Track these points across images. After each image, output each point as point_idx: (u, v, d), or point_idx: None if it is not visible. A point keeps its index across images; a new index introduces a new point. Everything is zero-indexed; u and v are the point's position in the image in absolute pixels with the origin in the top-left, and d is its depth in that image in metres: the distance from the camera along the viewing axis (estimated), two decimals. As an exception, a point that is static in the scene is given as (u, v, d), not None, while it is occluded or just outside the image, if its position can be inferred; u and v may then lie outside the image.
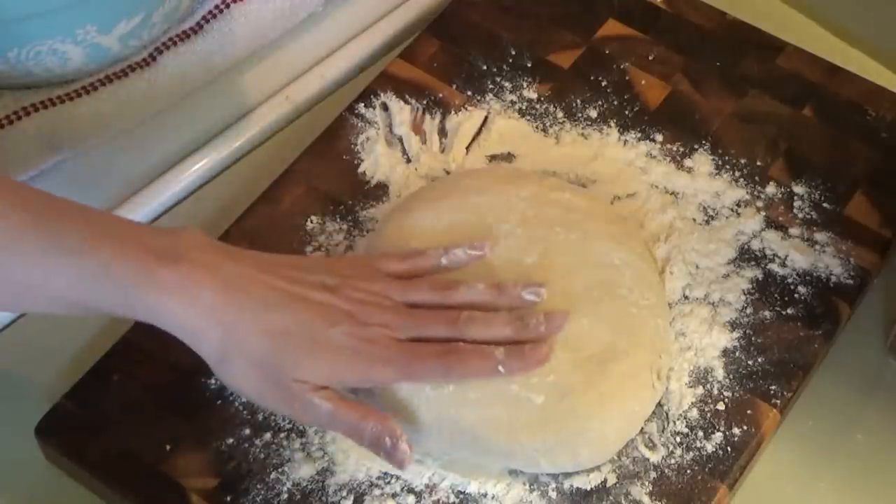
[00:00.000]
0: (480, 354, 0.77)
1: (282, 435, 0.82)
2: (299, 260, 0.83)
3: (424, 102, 0.98)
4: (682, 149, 0.96)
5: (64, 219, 0.74)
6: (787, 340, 0.86)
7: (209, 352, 0.76)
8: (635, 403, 0.80)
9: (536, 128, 0.97)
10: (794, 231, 0.91)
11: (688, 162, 0.95)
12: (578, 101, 0.98)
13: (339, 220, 0.91)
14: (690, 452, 0.81)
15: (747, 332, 0.86)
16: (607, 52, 1.01)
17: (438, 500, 0.79)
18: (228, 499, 0.79)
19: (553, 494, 0.80)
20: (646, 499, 0.80)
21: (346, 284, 0.78)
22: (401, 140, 0.96)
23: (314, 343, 0.75)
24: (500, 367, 0.77)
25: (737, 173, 0.94)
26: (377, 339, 0.76)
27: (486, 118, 0.97)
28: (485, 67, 1.00)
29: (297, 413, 0.76)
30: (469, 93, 0.99)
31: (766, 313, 0.87)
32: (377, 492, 0.80)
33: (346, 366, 0.75)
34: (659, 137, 0.96)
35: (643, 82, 0.99)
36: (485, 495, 0.80)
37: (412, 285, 0.80)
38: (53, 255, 0.73)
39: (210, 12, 1.00)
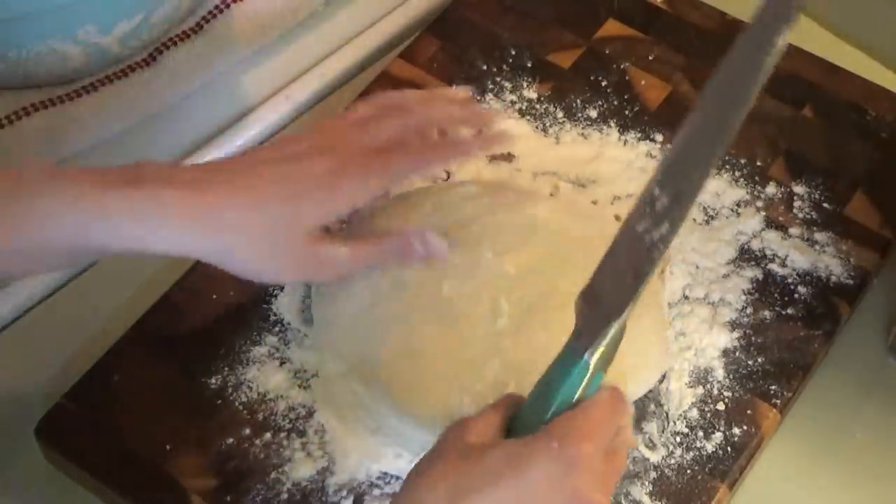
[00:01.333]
0: (451, 141, 0.81)
1: (282, 435, 0.82)
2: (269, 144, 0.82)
3: (424, 102, 0.98)
4: (682, 149, 0.96)
5: (19, 175, 0.73)
6: (787, 340, 0.86)
7: (208, 249, 0.74)
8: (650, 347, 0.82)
9: (536, 128, 0.97)
10: (794, 231, 0.91)
11: (688, 162, 0.95)
12: (578, 101, 0.98)
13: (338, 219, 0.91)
14: (690, 452, 0.81)
15: (747, 332, 0.86)
16: (607, 52, 1.01)
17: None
18: (228, 499, 0.79)
19: (553, 494, 0.80)
20: (646, 499, 0.80)
21: (317, 135, 0.79)
22: (401, 140, 0.96)
23: (298, 185, 0.75)
24: (473, 147, 0.83)
25: (737, 173, 0.94)
26: (351, 153, 0.76)
27: (486, 118, 0.97)
28: (485, 67, 1.00)
29: (315, 272, 0.77)
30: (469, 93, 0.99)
31: (766, 313, 0.87)
32: (377, 492, 0.80)
33: (331, 193, 0.75)
34: (659, 137, 0.96)
35: (643, 82, 0.99)
36: (485, 495, 0.80)
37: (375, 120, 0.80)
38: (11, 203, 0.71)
39: (210, 12, 1.00)
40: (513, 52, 1.01)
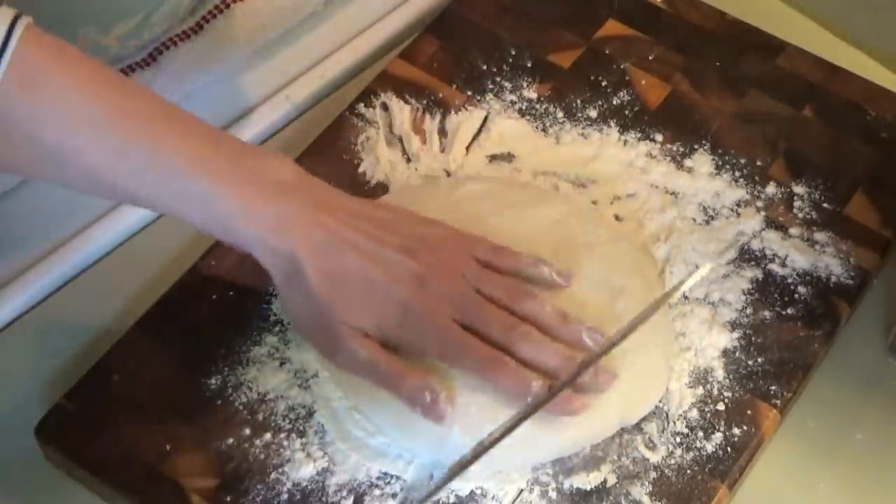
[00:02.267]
0: (519, 377, 0.77)
1: (282, 435, 0.82)
2: (388, 214, 0.83)
3: (424, 102, 0.98)
4: (682, 149, 0.96)
5: (165, 131, 0.76)
6: (787, 340, 0.86)
7: (279, 276, 0.78)
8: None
9: (536, 128, 0.97)
10: (794, 231, 0.91)
11: (688, 162, 0.95)
12: (578, 101, 0.98)
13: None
14: (690, 452, 0.81)
15: (747, 332, 0.86)
16: (607, 52, 1.01)
17: (438, 500, 0.79)
18: (228, 499, 0.79)
19: (553, 494, 0.80)
20: (646, 499, 0.80)
21: (425, 248, 0.79)
22: (401, 140, 0.96)
23: (371, 290, 0.77)
24: (530, 398, 0.77)
25: (737, 173, 0.94)
26: (434, 309, 0.77)
27: (486, 118, 0.97)
28: (485, 67, 1.00)
29: (336, 355, 0.78)
30: (469, 93, 0.99)
31: (766, 313, 0.87)
32: (377, 492, 0.80)
33: (394, 321, 0.77)
34: (659, 137, 0.96)
35: (643, 82, 0.99)
36: (484, 495, 0.80)
37: (489, 275, 0.80)
38: (159, 172, 0.75)
39: (210, 12, 1.00)
40: (513, 52, 1.01)
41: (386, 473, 0.80)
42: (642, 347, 0.81)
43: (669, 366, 0.84)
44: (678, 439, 0.82)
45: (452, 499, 0.79)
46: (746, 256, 0.90)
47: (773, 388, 0.84)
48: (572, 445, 0.80)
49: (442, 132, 0.97)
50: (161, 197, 0.76)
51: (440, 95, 0.98)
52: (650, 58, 1.01)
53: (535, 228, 0.86)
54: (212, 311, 0.87)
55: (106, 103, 0.75)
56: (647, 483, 0.80)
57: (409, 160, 0.95)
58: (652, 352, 0.82)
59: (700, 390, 0.84)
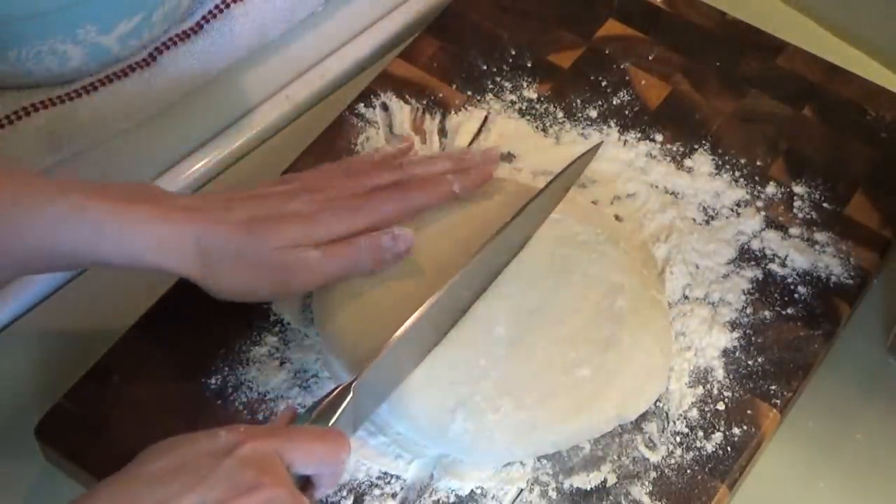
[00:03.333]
0: (433, 181, 0.83)
1: (282, 435, 0.82)
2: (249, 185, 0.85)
3: (424, 102, 0.98)
4: (682, 149, 0.96)
5: (26, 177, 0.78)
6: (787, 340, 0.86)
7: (191, 267, 0.78)
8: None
9: (536, 128, 0.97)
10: (794, 231, 0.91)
11: (688, 162, 0.95)
12: (578, 101, 0.98)
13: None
14: (690, 452, 0.81)
15: (747, 332, 0.86)
16: (607, 52, 1.01)
17: (438, 500, 0.79)
18: (228, 499, 0.79)
19: (553, 494, 0.80)
20: (646, 499, 0.80)
21: (299, 178, 0.83)
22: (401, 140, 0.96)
23: (280, 214, 0.79)
24: (455, 186, 0.84)
25: (737, 173, 0.94)
26: (336, 198, 0.81)
27: (486, 118, 0.97)
28: (485, 67, 1.00)
29: (293, 277, 0.79)
30: (469, 93, 0.99)
31: (766, 313, 0.87)
32: (377, 492, 0.80)
33: (315, 223, 0.79)
34: (659, 137, 0.96)
35: (643, 82, 0.99)
36: (484, 495, 0.80)
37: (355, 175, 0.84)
38: (25, 205, 0.75)
39: (210, 12, 1.00)
40: (513, 52, 1.01)
41: (386, 473, 0.80)
42: (641, 344, 0.82)
43: (668, 364, 0.84)
44: (678, 439, 0.82)
45: (452, 498, 0.79)
46: (746, 256, 0.90)
47: (773, 388, 0.84)
48: (570, 437, 0.80)
49: (442, 132, 0.97)
50: (36, 237, 0.76)
51: (440, 95, 0.98)
52: (650, 58, 1.01)
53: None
54: (212, 311, 0.87)
55: None
56: (647, 483, 0.80)
57: (409, 160, 0.95)
58: (651, 348, 0.82)
59: (700, 390, 0.84)
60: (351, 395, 0.74)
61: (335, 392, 0.74)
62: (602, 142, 0.92)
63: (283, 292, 0.83)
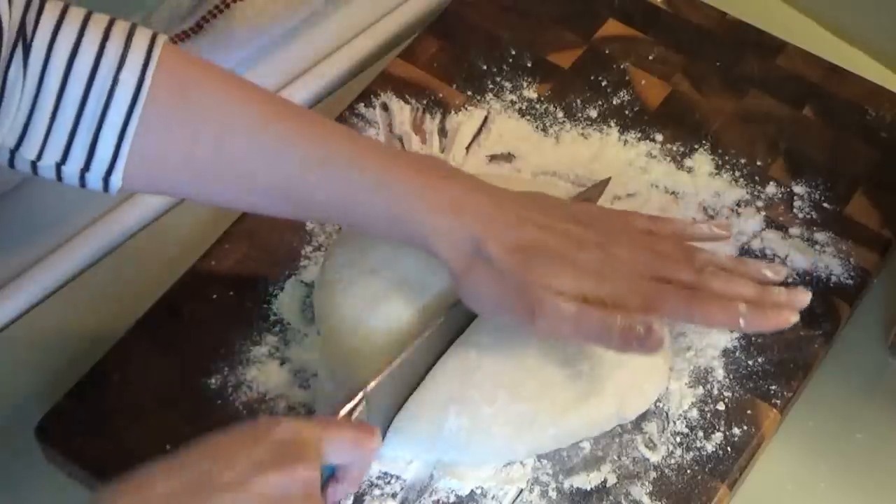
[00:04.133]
0: (723, 304, 0.77)
1: (282, 435, 0.82)
2: (546, 201, 0.83)
3: (424, 102, 0.98)
4: (682, 148, 0.96)
5: (326, 132, 0.77)
6: (787, 340, 0.86)
7: (457, 264, 0.77)
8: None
9: (536, 128, 0.97)
10: (794, 231, 0.91)
11: (688, 161, 0.95)
12: (578, 101, 0.98)
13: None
14: (690, 452, 0.81)
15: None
16: (607, 52, 1.01)
17: (438, 500, 0.79)
18: (228, 499, 0.79)
19: (553, 494, 0.80)
20: (646, 499, 0.80)
21: (592, 220, 0.80)
22: (401, 140, 0.96)
23: (564, 258, 0.77)
24: (742, 320, 0.76)
25: (737, 173, 0.94)
26: (623, 268, 0.77)
27: (486, 118, 0.97)
28: (485, 67, 1.00)
29: (539, 319, 0.76)
30: (469, 93, 0.99)
31: (766, 313, 0.87)
32: (377, 492, 0.80)
33: (592, 283, 0.76)
34: (659, 137, 0.96)
35: (643, 82, 0.99)
36: (485, 495, 0.80)
37: (658, 238, 0.81)
38: (324, 168, 0.76)
39: (210, 12, 1.00)
40: (513, 52, 1.01)
41: (386, 473, 0.80)
42: None
43: (669, 365, 0.84)
44: (678, 439, 0.82)
45: (452, 498, 0.79)
46: (746, 256, 0.90)
47: (773, 387, 0.84)
48: (571, 431, 0.80)
49: (442, 132, 0.97)
50: (323, 191, 0.76)
51: (440, 95, 0.98)
52: (650, 58, 1.01)
53: None
54: (212, 312, 0.87)
55: (259, 107, 0.76)
56: (647, 483, 0.80)
57: (409, 160, 0.95)
58: None
59: (700, 390, 0.84)
60: (363, 404, 0.74)
61: (348, 404, 0.74)
62: (610, 178, 0.89)
63: (517, 323, 0.79)
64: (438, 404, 0.78)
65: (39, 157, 0.74)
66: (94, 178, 0.75)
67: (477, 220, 0.77)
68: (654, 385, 0.83)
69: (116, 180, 0.75)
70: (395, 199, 0.77)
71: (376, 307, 0.81)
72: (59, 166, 0.75)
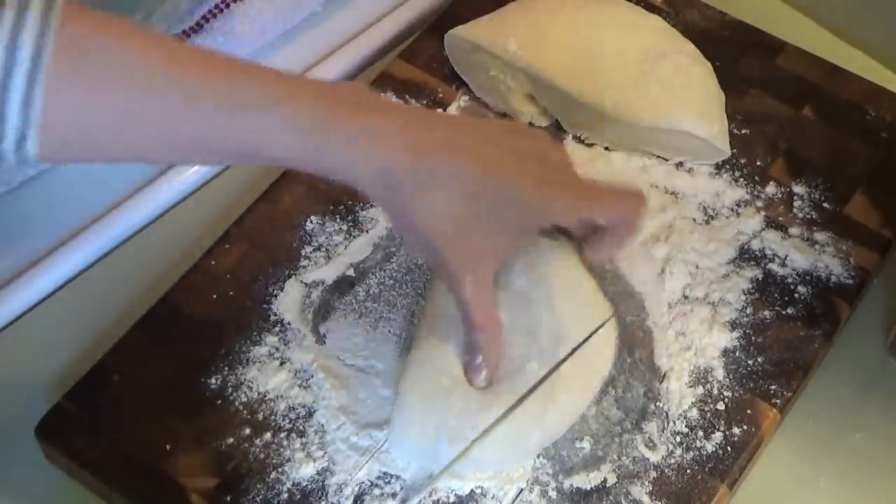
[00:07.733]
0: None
1: (282, 435, 0.82)
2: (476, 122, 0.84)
3: (424, 102, 0.98)
4: (682, 149, 0.96)
5: (230, 71, 0.74)
6: (787, 340, 0.86)
7: (399, 188, 0.74)
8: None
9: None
10: (794, 231, 0.91)
11: (688, 162, 0.95)
12: (578, 101, 0.98)
13: (338, 220, 0.91)
14: (690, 452, 0.81)
15: (747, 331, 0.86)
16: (607, 52, 1.01)
17: (438, 500, 0.79)
18: (228, 499, 0.79)
19: (553, 494, 0.80)
20: (646, 499, 0.80)
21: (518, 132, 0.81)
22: (401, 140, 0.96)
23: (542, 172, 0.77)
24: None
25: (737, 173, 0.94)
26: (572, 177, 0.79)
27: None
28: (485, 67, 1.00)
29: (468, 273, 0.76)
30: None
31: (766, 313, 0.87)
32: (377, 492, 0.80)
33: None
34: (659, 137, 0.96)
35: (643, 82, 0.99)
36: (484, 495, 0.80)
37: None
38: (232, 111, 0.72)
39: (210, 12, 1.00)
40: (513, 52, 1.01)
41: (386, 473, 0.80)
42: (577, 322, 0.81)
43: (610, 314, 0.83)
44: (678, 439, 0.82)
45: (452, 498, 0.79)
46: (746, 256, 0.90)
47: (773, 387, 0.84)
48: (558, 424, 0.80)
49: (442, 132, 0.96)
50: (235, 134, 0.73)
51: (440, 95, 0.98)
52: (650, 58, 1.01)
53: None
54: (212, 311, 0.87)
55: (166, 54, 0.73)
56: (647, 483, 0.80)
57: (409, 160, 0.95)
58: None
59: (700, 390, 0.84)
60: None
61: None
62: (612, 315, 0.84)
63: (452, 263, 0.77)
64: (428, 436, 0.77)
65: None
66: (8, 146, 0.71)
67: (412, 141, 0.74)
68: (607, 343, 0.81)
69: (32, 146, 0.71)
70: (307, 130, 0.72)
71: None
72: None
